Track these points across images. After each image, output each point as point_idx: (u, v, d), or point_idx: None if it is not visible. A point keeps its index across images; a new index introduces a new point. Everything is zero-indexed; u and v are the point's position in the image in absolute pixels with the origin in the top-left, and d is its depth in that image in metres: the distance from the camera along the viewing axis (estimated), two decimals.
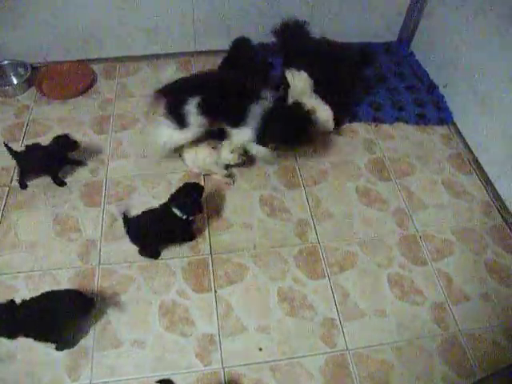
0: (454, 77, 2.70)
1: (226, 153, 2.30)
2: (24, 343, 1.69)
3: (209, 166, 2.32)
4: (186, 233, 2.08)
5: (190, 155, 2.34)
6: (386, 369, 1.78)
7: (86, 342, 1.80)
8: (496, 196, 2.35)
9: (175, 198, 1.94)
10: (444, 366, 1.80)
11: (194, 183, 2.02)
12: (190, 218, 1.95)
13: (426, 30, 3.03)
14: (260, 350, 1.81)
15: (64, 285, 1.94)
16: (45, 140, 2.30)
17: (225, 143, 2.33)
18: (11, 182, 2.31)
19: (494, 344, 1.87)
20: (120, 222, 2.09)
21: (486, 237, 2.21)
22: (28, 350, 1.76)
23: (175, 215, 1.92)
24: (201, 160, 2.31)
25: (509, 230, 2.24)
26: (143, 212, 1.97)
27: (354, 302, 1.96)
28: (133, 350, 1.79)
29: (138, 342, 1.81)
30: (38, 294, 1.70)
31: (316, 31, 3.06)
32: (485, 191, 2.40)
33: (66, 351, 1.77)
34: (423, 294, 2.00)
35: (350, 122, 2.70)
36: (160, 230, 1.96)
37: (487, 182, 2.42)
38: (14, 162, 2.30)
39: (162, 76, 2.39)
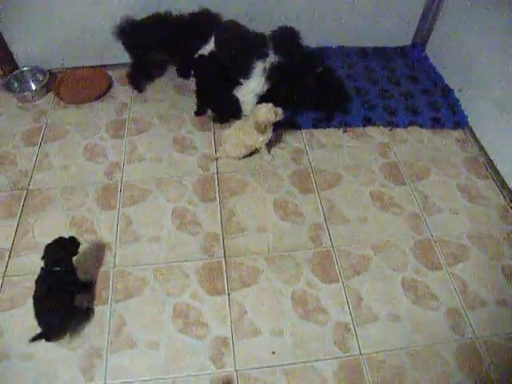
0: (469, 80, 2.68)
1: (264, 112, 2.29)
2: (41, 342, 1.71)
3: (255, 144, 2.42)
4: None
5: (232, 138, 2.42)
6: (399, 374, 1.76)
7: (101, 342, 1.82)
8: None
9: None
10: (460, 372, 1.77)
11: None
12: None
13: (440, 33, 3.01)
14: (273, 353, 1.80)
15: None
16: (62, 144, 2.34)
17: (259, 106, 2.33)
18: (29, 185, 2.35)
19: None
20: (134, 226, 2.12)
21: (502, 242, 2.17)
22: (44, 349, 1.78)
23: None
24: (245, 141, 2.40)
25: None
26: None
27: (367, 306, 1.95)
28: (147, 352, 1.80)
29: (152, 344, 1.82)
30: None
31: (330, 36, 3.09)
32: (501, 195, 2.36)
33: (81, 351, 1.79)
34: (438, 299, 1.97)
35: (365, 125, 2.69)
36: None
37: (503, 186, 2.38)
38: (32, 165, 2.35)
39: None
